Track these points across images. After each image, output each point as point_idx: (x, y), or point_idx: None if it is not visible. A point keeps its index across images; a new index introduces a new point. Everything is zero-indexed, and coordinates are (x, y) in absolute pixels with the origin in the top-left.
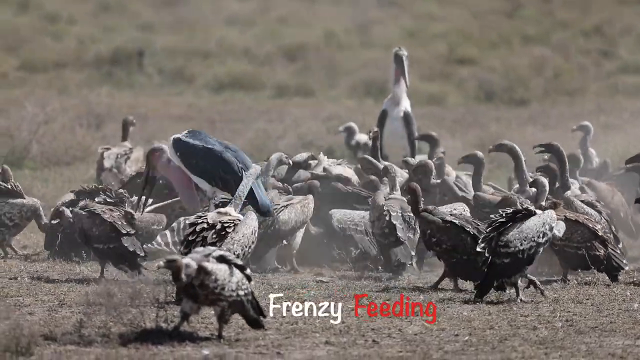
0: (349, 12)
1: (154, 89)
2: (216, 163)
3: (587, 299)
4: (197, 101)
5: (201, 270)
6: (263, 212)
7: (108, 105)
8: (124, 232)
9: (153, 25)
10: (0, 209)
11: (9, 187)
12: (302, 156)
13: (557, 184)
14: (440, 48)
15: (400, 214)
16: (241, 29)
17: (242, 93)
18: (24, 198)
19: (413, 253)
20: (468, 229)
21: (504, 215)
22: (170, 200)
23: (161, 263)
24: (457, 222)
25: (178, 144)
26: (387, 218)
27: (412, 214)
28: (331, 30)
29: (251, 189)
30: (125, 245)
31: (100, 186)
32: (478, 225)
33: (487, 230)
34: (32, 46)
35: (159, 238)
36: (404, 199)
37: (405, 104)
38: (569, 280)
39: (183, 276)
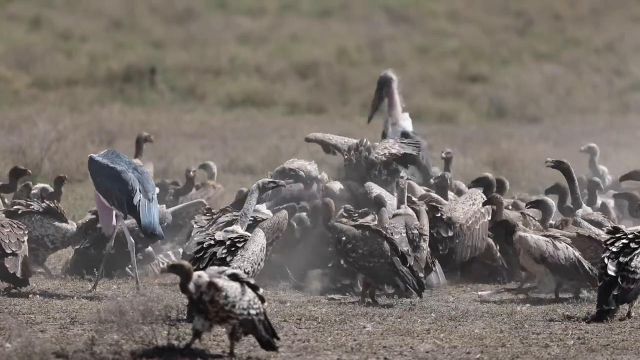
0: (360, 29)
1: (165, 106)
2: (114, 182)
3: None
4: (208, 118)
5: (211, 285)
6: (146, 232)
7: (120, 122)
8: (8, 251)
9: (165, 43)
10: (45, 231)
11: (55, 208)
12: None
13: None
14: (452, 65)
15: (404, 235)
16: (253, 46)
17: (254, 110)
18: (67, 223)
19: (422, 274)
20: (384, 233)
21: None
22: (187, 203)
23: (165, 266)
24: (371, 225)
25: (90, 163)
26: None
27: (418, 231)
28: (343, 47)
29: (137, 206)
30: (7, 265)
31: None
32: (392, 231)
33: (612, 250)
34: (44, 63)
35: (172, 256)
36: (411, 213)
37: (404, 124)
38: (580, 298)
39: (191, 285)
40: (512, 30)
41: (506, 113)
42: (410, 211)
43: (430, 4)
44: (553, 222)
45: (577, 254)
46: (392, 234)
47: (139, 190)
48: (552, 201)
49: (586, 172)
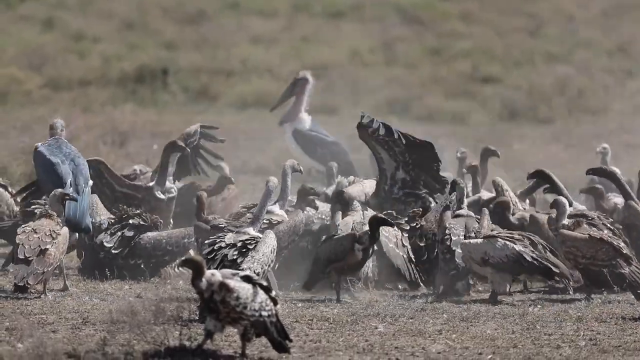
0: (373, 30)
1: (177, 106)
2: (48, 174)
3: (611, 318)
4: (220, 119)
5: (223, 286)
6: (69, 224)
7: (132, 123)
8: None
9: (177, 44)
10: None
11: None
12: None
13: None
14: (464, 66)
15: (462, 237)
16: (265, 47)
17: (266, 111)
18: None
19: (471, 282)
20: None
21: None
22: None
23: (179, 262)
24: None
25: (34, 152)
26: (447, 243)
27: (475, 234)
28: (355, 49)
29: (65, 199)
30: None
31: (136, 211)
32: (450, 232)
33: None
34: (57, 64)
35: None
36: (472, 214)
37: (298, 124)
38: (592, 299)
39: (203, 282)
40: (524, 31)
41: (518, 114)
42: (472, 213)
43: (443, 5)
44: (566, 222)
45: (517, 248)
46: (450, 235)
47: (70, 183)
48: (565, 200)
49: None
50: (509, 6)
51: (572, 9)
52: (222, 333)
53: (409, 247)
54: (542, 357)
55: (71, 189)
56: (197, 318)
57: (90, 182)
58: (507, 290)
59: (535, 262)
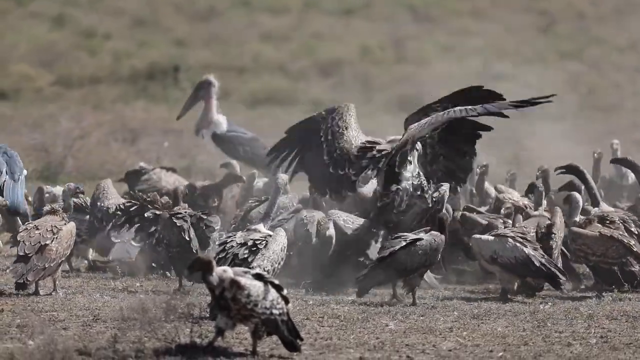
0: (383, 27)
1: None
2: None
3: (622, 315)
4: (232, 116)
5: (234, 283)
6: (9, 211)
7: (143, 120)
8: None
9: (188, 41)
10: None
11: (81, 203)
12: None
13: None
14: (475, 63)
15: (532, 234)
16: (276, 44)
17: (277, 108)
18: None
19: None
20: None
21: None
22: None
23: (191, 263)
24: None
25: None
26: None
27: (547, 229)
28: (366, 46)
29: (1, 187)
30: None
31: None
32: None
33: None
34: (68, 61)
35: None
36: (545, 214)
37: (216, 128)
38: (603, 296)
39: (214, 277)
40: (535, 28)
41: (529, 112)
42: (545, 213)
43: (454, 2)
44: (578, 219)
45: (527, 251)
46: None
47: (5, 172)
48: (579, 196)
49: (610, 170)
50: (520, 3)
51: (583, 6)
52: (233, 331)
53: None
54: (552, 354)
55: (7, 176)
56: (207, 315)
57: (25, 172)
58: (514, 288)
59: (543, 267)
